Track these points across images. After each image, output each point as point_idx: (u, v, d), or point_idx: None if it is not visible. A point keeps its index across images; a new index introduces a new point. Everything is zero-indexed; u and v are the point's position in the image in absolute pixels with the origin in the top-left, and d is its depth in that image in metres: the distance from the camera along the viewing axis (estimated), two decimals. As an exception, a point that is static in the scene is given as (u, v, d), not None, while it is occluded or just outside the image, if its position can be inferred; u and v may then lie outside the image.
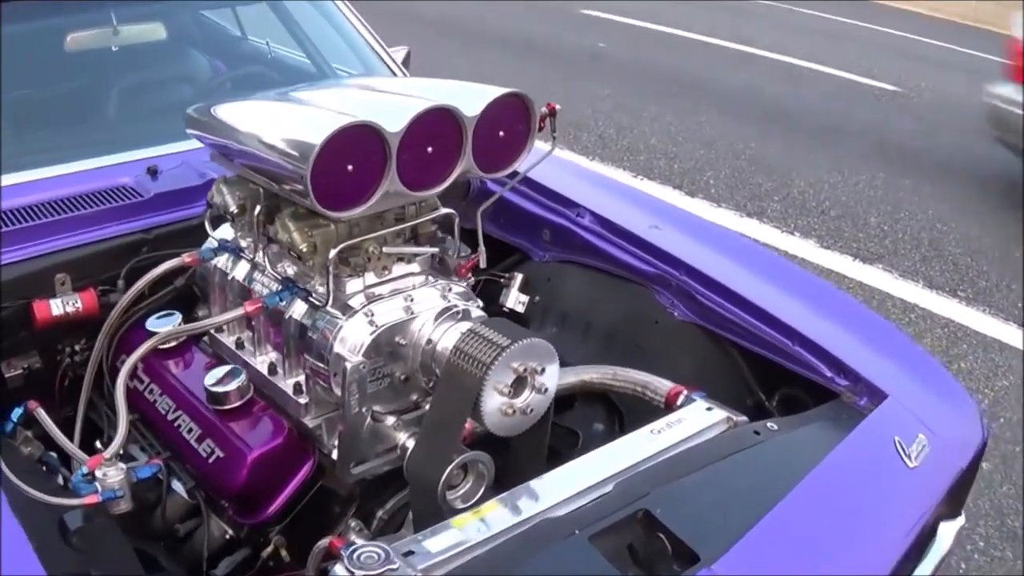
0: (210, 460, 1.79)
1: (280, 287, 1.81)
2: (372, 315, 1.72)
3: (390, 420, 1.76)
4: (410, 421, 1.78)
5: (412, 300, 1.77)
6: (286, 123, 1.71)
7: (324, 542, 1.61)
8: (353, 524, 1.82)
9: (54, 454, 1.78)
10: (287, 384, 1.83)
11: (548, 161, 2.88)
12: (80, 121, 2.64)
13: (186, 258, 1.96)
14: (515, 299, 2.56)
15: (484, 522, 1.51)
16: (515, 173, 1.90)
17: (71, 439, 1.76)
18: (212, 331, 2.00)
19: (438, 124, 1.67)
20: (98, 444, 1.91)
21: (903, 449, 1.83)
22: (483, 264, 1.93)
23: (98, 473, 1.61)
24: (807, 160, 6.83)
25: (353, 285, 1.76)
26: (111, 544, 1.54)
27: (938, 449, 1.88)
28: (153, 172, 2.29)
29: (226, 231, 2.01)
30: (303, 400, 1.80)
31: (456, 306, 1.79)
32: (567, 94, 7.89)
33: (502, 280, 2.58)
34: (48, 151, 2.37)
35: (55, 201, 2.17)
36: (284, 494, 1.78)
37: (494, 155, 1.80)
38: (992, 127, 6.29)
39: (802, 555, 1.57)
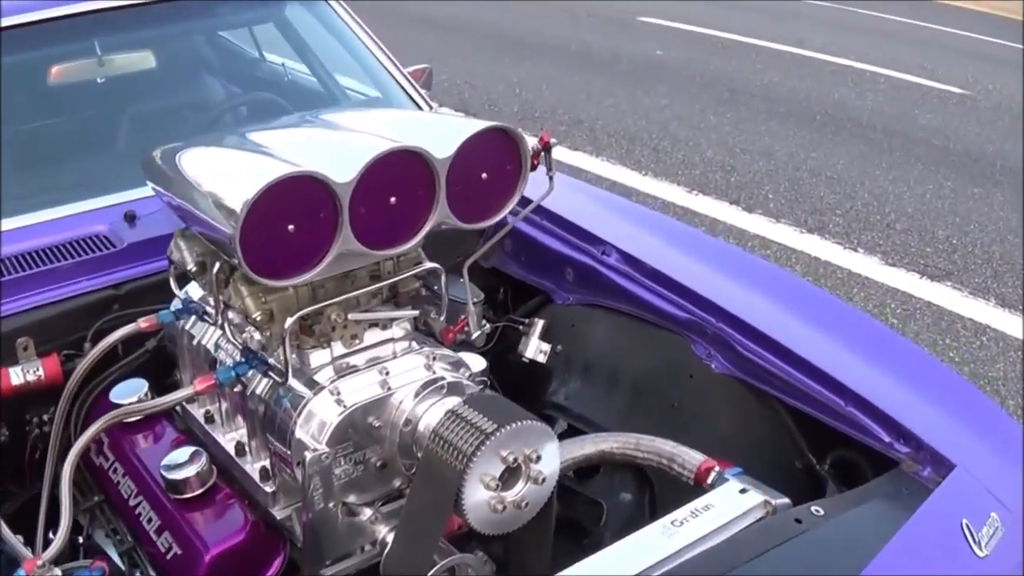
0: (168, 556, 1.57)
1: (241, 359, 1.58)
2: (339, 393, 1.48)
3: (367, 512, 1.52)
4: (391, 513, 1.54)
5: (388, 373, 1.53)
6: (223, 174, 1.46)
7: None
8: None
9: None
10: (254, 468, 1.60)
11: (571, 189, 2.66)
12: (57, 162, 2.44)
13: (142, 323, 1.74)
14: (535, 348, 2.33)
15: None
16: (526, 201, 1.64)
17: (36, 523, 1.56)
18: (183, 403, 1.78)
19: (402, 169, 1.41)
20: (50, 535, 1.68)
21: (972, 534, 1.54)
22: (474, 332, 1.68)
23: (30, 583, 1.40)
24: (870, 170, 6.45)
25: (318, 357, 1.53)
26: None
27: (1013, 531, 1.59)
28: (131, 218, 2.08)
29: (195, 289, 1.79)
30: (270, 488, 1.57)
31: (442, 378, 1.54)
32: (623, 105, 7.63)
33: (521, 327, 2.33)
34: (19, 197, 2.17)
35: (21, 255, 1.98)
36: None
37: (476, 201, 1.54)
38: None
39: None
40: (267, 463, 1.58)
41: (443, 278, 1.62)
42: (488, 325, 2.25)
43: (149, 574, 1.61)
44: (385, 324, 1.57)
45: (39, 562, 1.43)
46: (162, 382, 1.91)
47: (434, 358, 1.57)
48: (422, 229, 1.47)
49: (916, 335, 4.28)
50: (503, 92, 8.07)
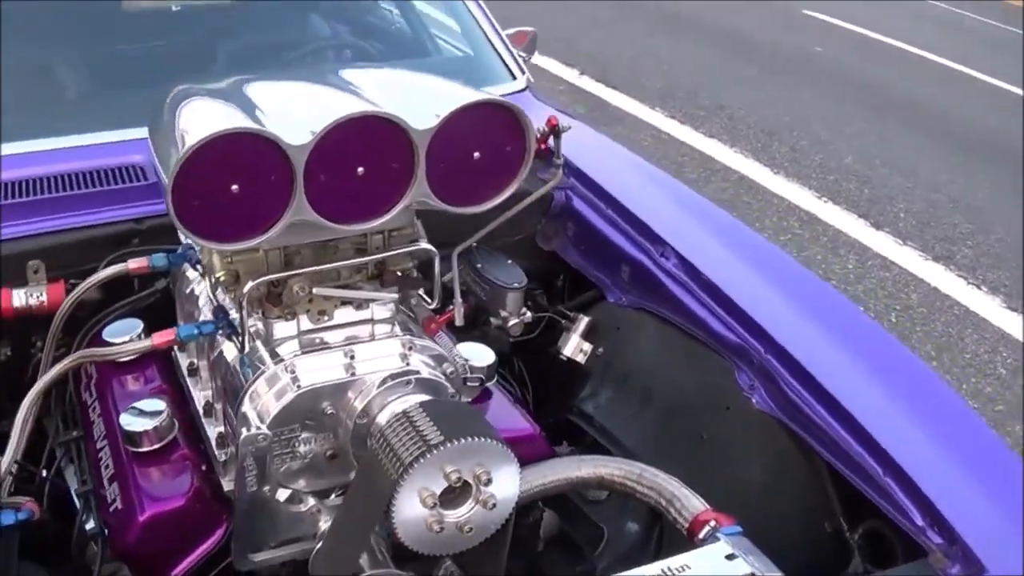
0: (111, 507, 1.48)
1: (209, 318, 1.46)
2: (294, 371, 1.35)
3: (310, 502, 1.39)
4: (336, 507, 1.40)
5: (354, 357, 1.38)
6: (184, 121, 1.31)
7: None
8: None
9: None
10: (214, 432, 1.50)
11: (642, 175, 2.46)
12: (112, 87, 2.38)
13: (131, 264, 1.65)
14: (575, 346, 2.18)
15: None
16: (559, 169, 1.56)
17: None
18: (176, 348, 1.69)
19: (374, 137, 1.25)
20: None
21: None
22: (459, 322, 1.51)
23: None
24: (1014, 204, 5.97)
25: (283, 329, 1.40)
26: None
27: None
28: None
29: None
30: (223, 456, 1.46)
31: (415, 372, 1.38)
32: (768, 97, 7.32)
33: (563, 322, 2.17)
34: (68, 118, 2.11)
35: (50, 177, 1.92)
36: (185, 563, 1.45)
37: (464, 183, 1.36)
38: None
39: None
40: (223, 429, 1.47)
41: (436, 260, 1.46)
42: (529, 314, 2.11)
43: (92, 522, 1.53)
44: (361, 304, 1.42)
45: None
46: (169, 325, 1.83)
47: (411, 348, 1.42)
48: (395, 206, 1.30)
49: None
50: (648, 66, 7.86)
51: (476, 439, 1.20)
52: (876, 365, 1.82)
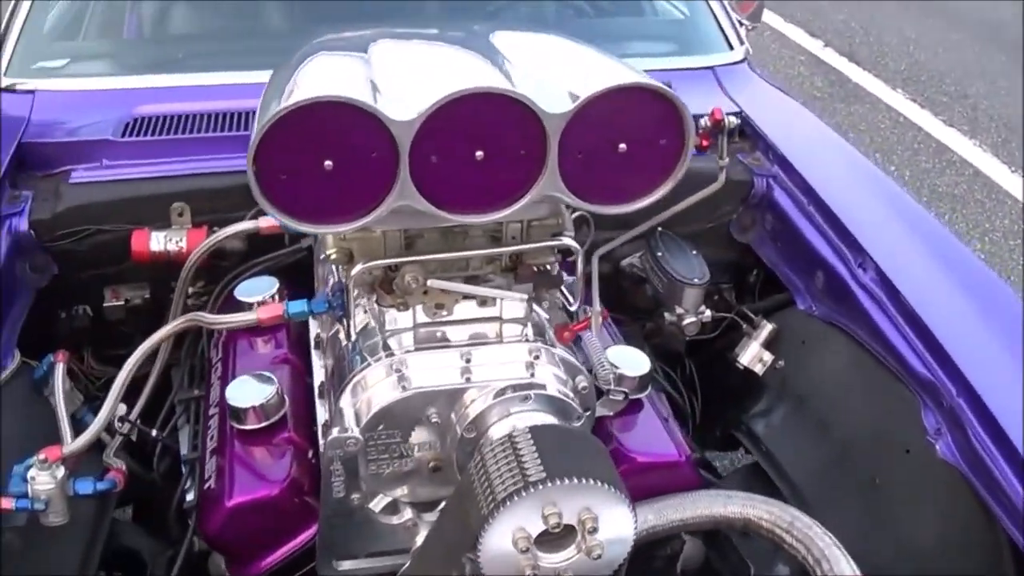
0: (206, 484, 1.38)
1: (323, 298, 1.33)
2: (403, 369, 1.20)
3: (408, 514, 1.25)
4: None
5: (470, 361, 1.22)
6: (292, 81, 1.13)
7: None
8: None
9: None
10: (323, 416, 1.38)
11: (853, 171, 2.15)
12: (308, 24, 2.27)
13: (262, 223, 1.54)
14: (754, 355, 1.95)
15: None
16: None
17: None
18: (311, 318, 1.58)
19: (495, 118, 1.06)
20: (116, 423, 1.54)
21: None
22: (595, 332, 1.32)
23: (31, 473, 1.27)
24: None
25: (397, 320, 1.25)
26: None
27: None
28: None
29: None
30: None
31: (541, 386, 1.21)
32: (1018, 91, 6.62)
33: (745, 326, 1.94)
34: (237, 54, 2.03)
35: (205, 114, 1.84)
36: (276, 555, 1.35)
37: (605, 179, 1.16)
38: None
39: None
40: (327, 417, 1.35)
41: (579, 258, 1.27)
42: (708, 313, 1.91)
43: (192, 493, 1.44)
44: (484, 300, 1.26)
45: (65, 450, 1.31)
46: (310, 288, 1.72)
47: (538, 356, 1.24)
48: (519, 199, 1.11)
49: None
50: (895, 46, 7.36)
51: (584, 480, 1.03)
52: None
